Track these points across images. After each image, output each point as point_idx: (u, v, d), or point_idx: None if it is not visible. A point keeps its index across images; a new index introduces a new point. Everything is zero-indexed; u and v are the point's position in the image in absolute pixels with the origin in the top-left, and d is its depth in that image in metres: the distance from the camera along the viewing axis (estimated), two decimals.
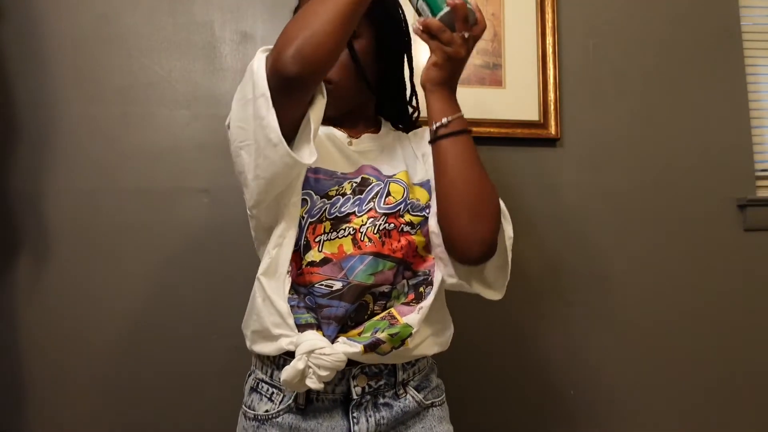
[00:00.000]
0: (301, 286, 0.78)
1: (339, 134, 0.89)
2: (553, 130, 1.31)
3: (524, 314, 1.29)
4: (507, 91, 1.31)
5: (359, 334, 0.76)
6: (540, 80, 1.31)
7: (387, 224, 0.80)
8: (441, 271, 0.81)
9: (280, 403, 0.78)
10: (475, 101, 1.29)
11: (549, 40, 1.32)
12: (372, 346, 0.74)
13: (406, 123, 0.98)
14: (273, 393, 0.80)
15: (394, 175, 0.86)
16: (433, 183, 0.83)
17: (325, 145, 0.87)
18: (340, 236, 0.78)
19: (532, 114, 1.30)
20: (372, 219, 0.79)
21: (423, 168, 0.90)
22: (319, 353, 0.72)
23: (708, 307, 1.34)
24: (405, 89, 0.97)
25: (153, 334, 1.17)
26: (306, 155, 0.71)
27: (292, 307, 0.77)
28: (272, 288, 0.78)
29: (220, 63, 1.24)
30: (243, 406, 0.83)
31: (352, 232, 0.78)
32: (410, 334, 0.76)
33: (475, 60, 1.30)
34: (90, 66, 1.22)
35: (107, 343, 1.17)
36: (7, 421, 1.14)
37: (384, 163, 0.87)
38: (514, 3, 1.33)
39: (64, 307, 1.16)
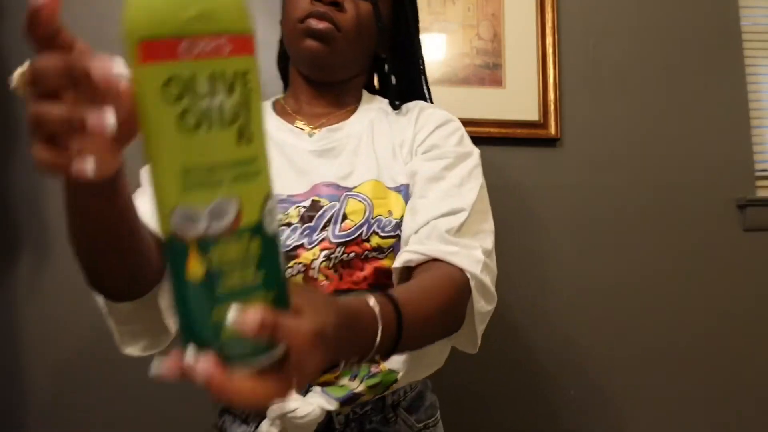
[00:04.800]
0: None
1: (295, 129, 0.76)
2: (553, 130, 1.31)
3: (524, 313, 1.29)
4: (507, 91, 1.30)
5: (336, 377, 0.67)
6: (540, 80, 1.31)
7: (345, 255, 0.66)
8: None
9: (257, 427, 0.68)
10: (475, 101, 1.29)
11: (549, 40, 1.32)
12: (350, 401, 0.65)
13: (412, 98, 0.84)
14: (248, 414, 0.70)
15: (356, 187, 0.71)
16: (412, 187, 0.71)
17: (273, 157, 0.75)
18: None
19: (532, 114, 1.30)
20: (326, 251, 0.66)
21: (399, 164, 0.74)
22: (291, 417, 0.62)
23: (708, 306, 1.33)
24: (422, 61, 0.86)
25: None
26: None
27: None
28: None
29: None
30: (213, 429, 0.76)
31: (302, 269, 0.65)
32: (395, 380, 0.68)
33: (475, 60, 1.30)
34: None
35: (106, 343, 1.17)
36: (7, 422, 1.14)
37: (346, 165, 0.73)
38: (514, 3, 1.32)
39: (64, 307, 1.16)
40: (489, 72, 1.31)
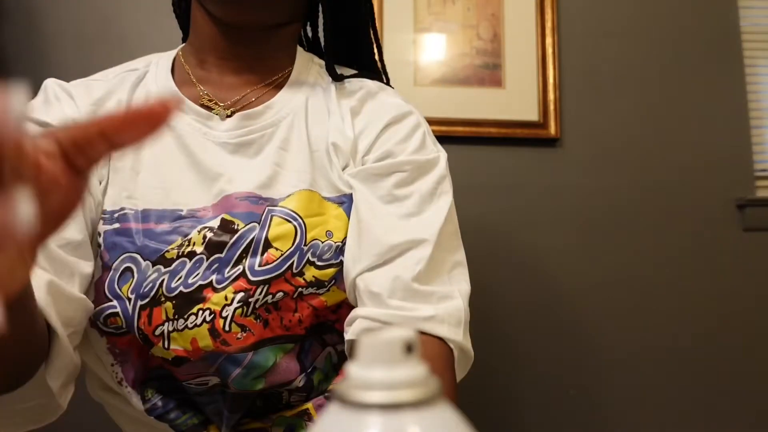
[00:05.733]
0: (162, 380, 0.53)
1: (201, 110, 0.55)
2: (553, 130, 1.31)
3: (523, 314, 1.29)
4: (507, 91, 1.31)
5: (270, 428, 0.55)
6: (540, 80, 1.31)
7: (270, 296, 0.50)
8: None
9: None
10: (475, 101, 1.29)
11: (549, 40, 1.32)
12: None
13: (360, 66, 0.63)
14: None
15: (282, 199, 0.53)
16: (355, 197, 0.53)
17: (168, 150, 0.54)
18: (190, 325, 0.48)
19: (532, 114, 1.30)
20: (242, 293, 0.49)
21: (337, 168, 0.55)
22: None
23: (707, 306, 1.33)
24: (370, 7, 0.63)
25: None
26: None
27: (160, 416, 0.52)
28: (118, 402, 0.56)
29: None
30: None
31: (208, 319, 0.49)
32: None
33: (474, 60, 1.31)
34: (92, 67, 1.22)
35: None
36: None
37: (269, 167, 0.54)
38: (514, 3, 1.33)
39: None
40: (489, 72, 1.31)
